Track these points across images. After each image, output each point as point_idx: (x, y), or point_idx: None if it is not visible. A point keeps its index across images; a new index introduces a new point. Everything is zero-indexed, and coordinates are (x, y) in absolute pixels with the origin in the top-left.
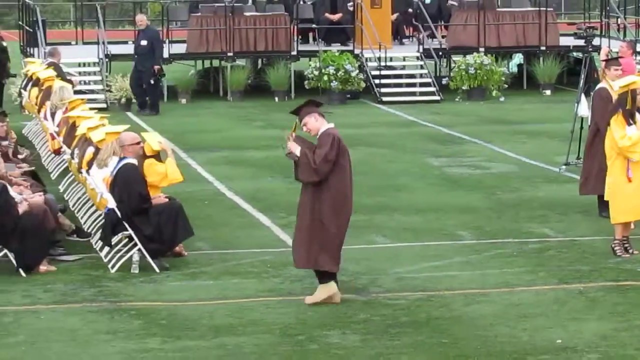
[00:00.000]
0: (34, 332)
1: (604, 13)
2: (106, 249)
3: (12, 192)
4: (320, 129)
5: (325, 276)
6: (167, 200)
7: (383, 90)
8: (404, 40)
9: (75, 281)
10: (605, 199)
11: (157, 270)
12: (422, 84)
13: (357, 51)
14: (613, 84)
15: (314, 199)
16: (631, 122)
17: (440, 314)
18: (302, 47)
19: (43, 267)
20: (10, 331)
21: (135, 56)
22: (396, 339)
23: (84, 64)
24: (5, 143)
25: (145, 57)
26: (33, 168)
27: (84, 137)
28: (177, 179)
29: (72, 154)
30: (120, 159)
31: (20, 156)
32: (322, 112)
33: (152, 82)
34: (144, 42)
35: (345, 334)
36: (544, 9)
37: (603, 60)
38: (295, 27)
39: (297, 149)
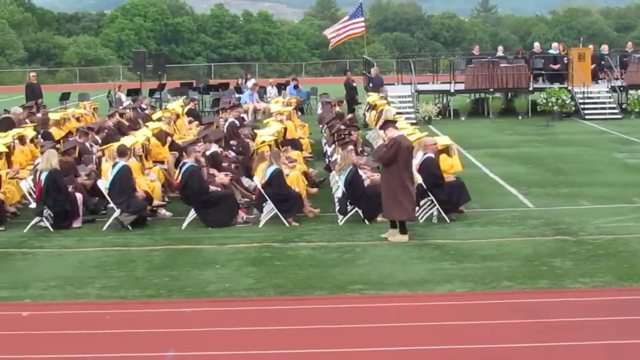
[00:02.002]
0: (373, 257)
1: None
2: (416, 207)
3: (360, 172)
4: (391, 136)
5: (401, 226)
6: (454, 178)
7: (586, 111)
8: (598, 80)
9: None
10: None
11: (448, 220)
12: (610, 108)
13: (569, 87)
14: None
15: (387, 178)
16: None
17: (623, 249)
18: (535, 85)
19: (378, 218)
20: (360, 257)
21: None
22: (595, 264)
23: (403, 96)
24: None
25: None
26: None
27: None
28: (459, 168)
29: None
30: (424, 154)
31: (365, 153)
32: (395, 125)
33: None
34: (372, 85)
35: (564, 261)
36: None
37: None
38: (531, 73)
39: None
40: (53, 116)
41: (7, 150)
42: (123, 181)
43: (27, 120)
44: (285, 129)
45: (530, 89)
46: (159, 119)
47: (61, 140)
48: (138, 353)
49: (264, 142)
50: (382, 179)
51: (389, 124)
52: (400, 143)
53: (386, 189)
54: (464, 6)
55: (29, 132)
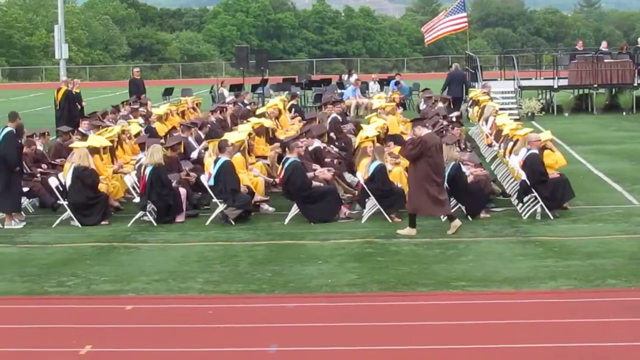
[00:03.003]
0: (476, 254)
1: None
2: (520, 204)
3: (463, 168)
4: (419, 134)
5: (411, 219)
6: (558, 175)
7: None
8: None
9: (502, 223)
10: None
11: (551, 217)
12: None
13: None
14: None
15: (412, 173)
16: None
17: None
18: None
19: (483, 215)
20: (463, 253)
21: (445, 89)
22: None
23: (505, 92)
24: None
25: (455, 87)
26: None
27: (507, 135)
28: (563, 163)
29: (499, 146)
30: (528, 150)
31: (468, 149)
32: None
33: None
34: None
35: None
36: None
37: None
38: (636, 68)
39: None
40: (156, 111)
41: (112, 144)
42: (227, 176)
43: (131, 116)
44: (388, 124)
45: (635, 84)
46: (263, 115)
47: (166, 136)
48: (241, 348)
49: (367, 137)
50: (409, 174)
51: (417, 122)
52: (426, 142)
53: (413, 184)
54: (567, 1)
55: (133, 127)
